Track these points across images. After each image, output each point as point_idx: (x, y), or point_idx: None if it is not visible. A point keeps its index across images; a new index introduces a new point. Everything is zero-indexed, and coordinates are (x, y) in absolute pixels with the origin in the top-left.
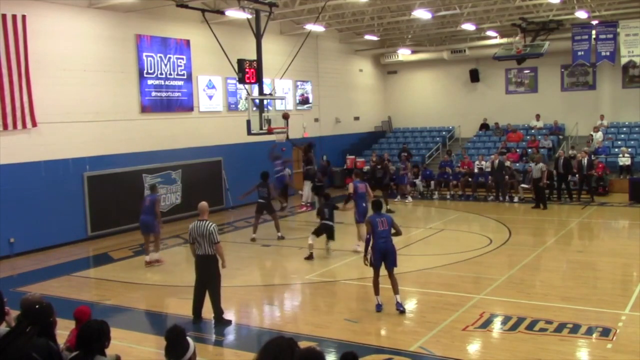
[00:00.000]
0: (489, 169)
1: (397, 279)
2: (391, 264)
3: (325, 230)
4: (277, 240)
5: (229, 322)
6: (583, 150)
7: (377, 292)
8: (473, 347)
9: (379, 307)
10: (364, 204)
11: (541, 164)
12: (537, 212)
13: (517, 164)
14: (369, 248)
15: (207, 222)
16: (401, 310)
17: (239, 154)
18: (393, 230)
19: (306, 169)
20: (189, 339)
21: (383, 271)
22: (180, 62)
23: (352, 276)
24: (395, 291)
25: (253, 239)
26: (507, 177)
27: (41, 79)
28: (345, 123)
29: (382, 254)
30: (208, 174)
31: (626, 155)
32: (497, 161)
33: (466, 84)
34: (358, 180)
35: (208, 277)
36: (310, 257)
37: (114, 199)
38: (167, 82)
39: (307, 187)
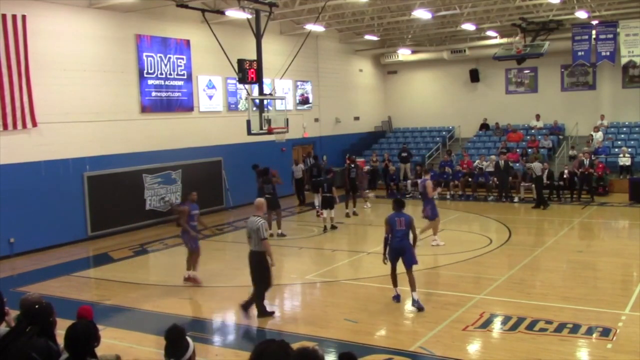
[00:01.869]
0: (490, 169)
1: (414, 277)
2: (408, 262)
3: (327, 200)
4: (277, 237)
5: (270, 314)
6: (584, 150)
7: (394, 284)
8: (473, 347)
9: (396, 298)
10: (422, 201)
11: (537, 163)
12: (537, 212)
13: (517, 164)
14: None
15: (258, 218)
16: (419, 307)
17: (239, 154)
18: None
19: (316, 180)
20: (189, 339)
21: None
22: (180, 62)
23: (352, 276)
24: (413, 289)
25: (271, 235)
26: (510, 177)
27: (41, 79)
28: (345, 123)
29: (397, 252)
30: (208, 174)
31: (626, 155)
32: (502, 162)
33: (466, 84)
34: (427, 177)
35: (255, 272)
36: (325, 230)
37: (114, 199)
38: (167, 82)
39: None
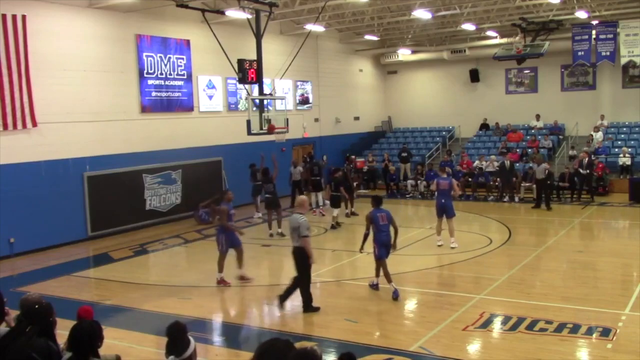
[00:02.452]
0: (490, 169)
1: (395, 279)
2: (387, 253)
3: (336, 199)
4: (277, 237)
5: (316, 309)
6: (584, 150)
7: (389, 280)
8: (473, 347)
9: (395, 294)
10: (442, 200)
11: (544, 164)
12: (537, 212)
13: (517, 164)
14: (372, 241)
15: (300, 215)
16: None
17: (239, 154)
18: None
19: (317, 180)
20: (190, 337)
21: None
22: (180, 62)
23: (352, 276)
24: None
25: (271, 235)
26: (514, 178)
27: (41, 79)
28: (345, 123)
29: (386, 246)
30: (208, 174)
31: (626, 155)
32: (507, 162)
33: (466, 84)
34: (444, 176)
35: (297, 268)
36: (335, 226)
37: (114, 199)
38: (167, 82)
39: (320, 194)
